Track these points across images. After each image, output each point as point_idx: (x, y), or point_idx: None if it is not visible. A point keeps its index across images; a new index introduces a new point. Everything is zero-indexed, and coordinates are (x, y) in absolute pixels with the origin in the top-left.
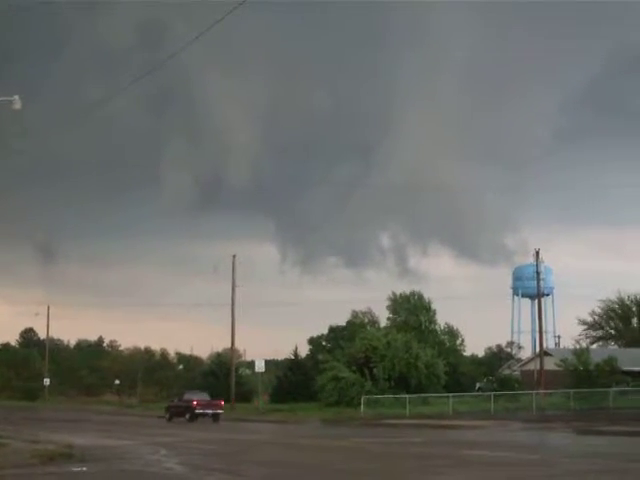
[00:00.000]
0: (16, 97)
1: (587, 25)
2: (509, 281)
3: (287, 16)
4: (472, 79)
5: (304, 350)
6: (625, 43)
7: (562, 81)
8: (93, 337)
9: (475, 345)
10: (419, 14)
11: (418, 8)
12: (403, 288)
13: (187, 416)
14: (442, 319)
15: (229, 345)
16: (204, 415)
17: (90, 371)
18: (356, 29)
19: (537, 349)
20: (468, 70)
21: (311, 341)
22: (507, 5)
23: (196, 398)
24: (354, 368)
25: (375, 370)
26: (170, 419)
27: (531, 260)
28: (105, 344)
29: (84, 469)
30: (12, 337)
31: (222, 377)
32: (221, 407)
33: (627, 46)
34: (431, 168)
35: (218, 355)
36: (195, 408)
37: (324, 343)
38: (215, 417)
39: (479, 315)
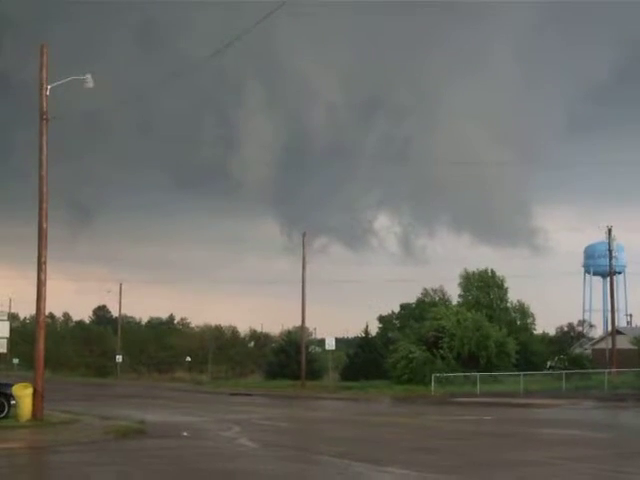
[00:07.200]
0: (88, 76)
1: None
2: (581, 259)
3: None
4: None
5: (374, 328)
6: None
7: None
8: (161, 314)
9: (543, 324)
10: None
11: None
12: (475, 266)
13: None
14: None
15: (299, 323)
16: None
17: (161, 348)
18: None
19: (609, 328)
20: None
21: (381, 319)
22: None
23: None
24: (424, 347)
25: (445, 349)
26: None
27: (603, 238)
28: (176, 321)
29: (185, 434)
30: (84, 314)
31: (293, 355)
32: None
33: None
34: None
35: (289, 333)
36: None
37: (395, 321)
38: None
39: (544, 293)
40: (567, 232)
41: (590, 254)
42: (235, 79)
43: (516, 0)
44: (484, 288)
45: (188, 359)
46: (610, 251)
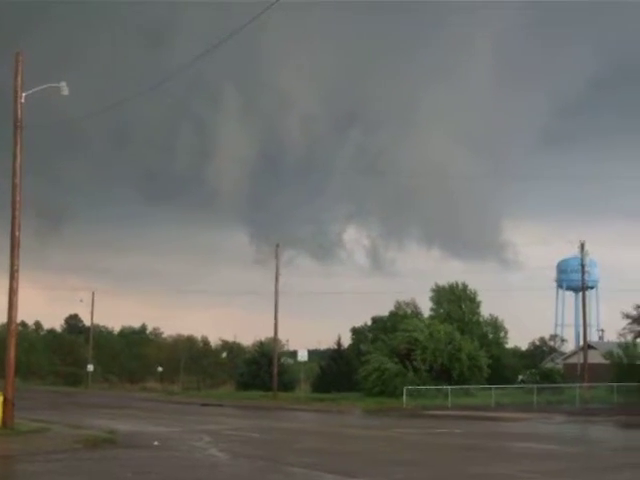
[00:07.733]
0: (63, 83)
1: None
2: (551, 273)
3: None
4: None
5: (347, 340)
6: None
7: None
8: (133, 324)
9: (514, 338)
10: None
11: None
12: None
13: None
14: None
15: (272, 334)
16: None
17: (133, 358)
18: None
19: (581, 342)
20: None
21: (354, 331)
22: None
23: None
24: (396, 359)
25: (417, 361)
26: None
27: (574, 253)
28: (148, 331)
29: (156, 443)
30: (56, 323)
31: (265, 366)
32: None
33: None
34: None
35: (261, 344)
36: None
37: (367, 333)
38: None
39: (515, 307)
40: (537, 246)
41: (563, 269)
42: (212, 89)
43: (495, 2)
44: (455, 301)
45: (160, 369)
46: (583, 266)
